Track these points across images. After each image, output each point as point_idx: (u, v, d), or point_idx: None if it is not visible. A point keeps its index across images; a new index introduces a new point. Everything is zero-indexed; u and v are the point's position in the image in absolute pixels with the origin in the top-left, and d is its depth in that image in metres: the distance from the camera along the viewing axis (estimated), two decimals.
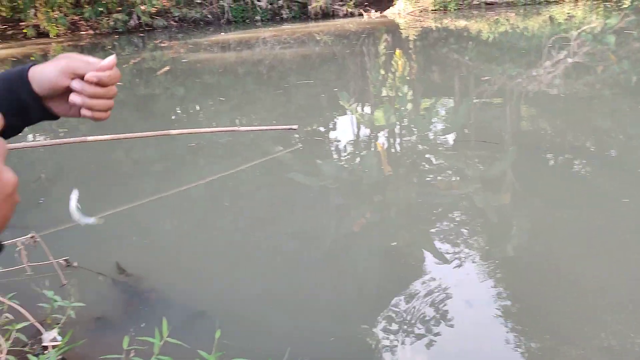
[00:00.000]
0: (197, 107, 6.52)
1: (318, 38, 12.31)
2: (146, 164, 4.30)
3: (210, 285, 2.42)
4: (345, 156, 4.35)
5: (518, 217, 3.03)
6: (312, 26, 14.45)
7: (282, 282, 2.43)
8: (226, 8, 15.33)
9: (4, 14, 13.36)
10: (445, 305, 2.16)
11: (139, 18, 14.24)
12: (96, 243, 2.86)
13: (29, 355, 1.63)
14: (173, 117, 6.16)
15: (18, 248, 2.23)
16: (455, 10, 16.13)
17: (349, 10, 16.45)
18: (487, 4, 16.36)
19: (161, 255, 2.72)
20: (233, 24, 15.57)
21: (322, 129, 5.15)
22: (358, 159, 4.29)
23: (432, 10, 16.27)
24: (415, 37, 11.99)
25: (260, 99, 6.85)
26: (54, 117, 0.85)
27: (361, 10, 16.55)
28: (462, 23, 13.59)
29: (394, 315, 2.10)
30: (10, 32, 13.89)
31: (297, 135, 4.60)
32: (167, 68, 9.28)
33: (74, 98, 0.80)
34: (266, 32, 13.64)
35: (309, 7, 16.35)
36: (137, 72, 9.47)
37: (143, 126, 5.63)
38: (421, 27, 13.57)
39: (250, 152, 4.38)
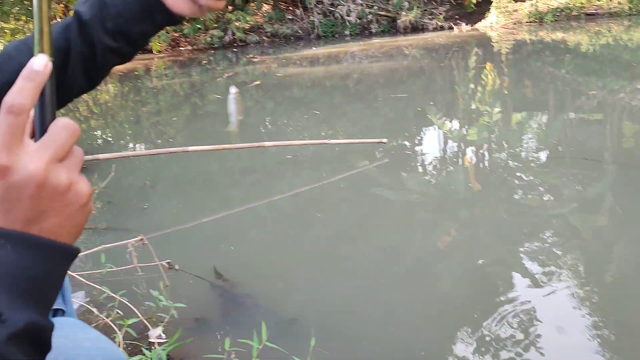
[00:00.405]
0: (286, 120, 6.72)
1: (406, 52, 12.28)
2: (238, 174, 4.50)
3: (299, 293, 2.50)
4: (431, 171, 4.32)
5: (618, 241, 2.87)
6: (401, 40, 14.43)
7: (367, 295, 2.47)
8: (316, 23, 15.69)
9: None
10: (534, 329, 2.09)
11: (233, 34, 14.90)
12: (193, 248, 3.05)
13: (143, 349, 1.78)
14: (263, 130, 6.39)
15: (129, 249, 2.43)
16: (552, 21, 15.50)
17: (439, 23, 16.28)
18: (587, 14, 15.58)
19: (252, 262, 2.85)
20: (322, 38, 15.87)
21: (408, 143, 5.14)
22: (445, 174, 4.25)
23: (526, 23, 15.73)
24: (507, 50, 11.65)
25: (347, 112, 6.95)
26: (176, 19, 0.87)
27: (451, 24, 16.33)
28: (559, 35, 13.04)
29: (480, 335, 2.07)
30: None
31: (382, 149, 4.63)
32: (257, 82, 9.63)
33: None
34: (354, 47, 13.79)
35: (398, 21, 16.36)
36: (230, 85, 9.91)
37: (235, 138, 5.89)
38: (514, 39, 13.17)
39: (335, 166, 4.46)
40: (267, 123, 6.73)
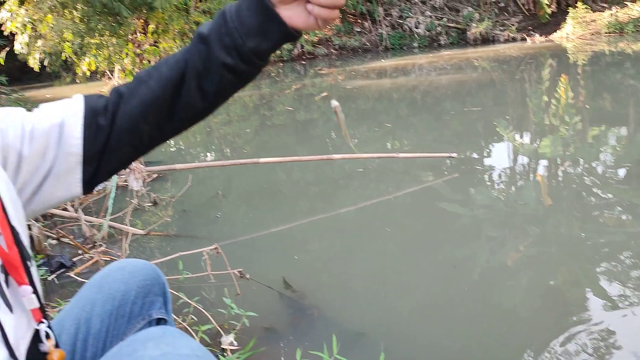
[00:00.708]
0: (352, 132, 6.77)
1: (476, 64, 12.06)
2: (305, 186, 4.58)
3: (366, 307, 2.51)
4: (501, 186, 4.22)
5: None
6: (471, 52, 14.20)
7: (435, 310, 2.45)
8: (384, 36, 15.71)
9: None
10: (609, 353, 2.01)
11: (302, 47, 15.19)
12: (262, 257, 3.14)
13: (218, 355, 1.86)
14: (328, 141, 6.47)
15: (203, 257, 2.54)
16: (633, 32, 14.77)
17: (511, 35, 15.89)
18: None
19: (320, 274, 2.90)
20: (390, 51, 15.87)
21: (476, 156, 5.05)
22: (515, 189, 4.15)
23: (605, 33, 15.07)
24: (584, 62, 11.21)
25: (414, 125, 6.91)
26: (292, 35, 0.85)
27: (524, 35, 15.89)
28: None
29: (550, 356, 2.01)
30: None
31: (450, 163, 4.57)
32: (325, 94, 9.76)
33: None
34: (423, 59, 13.70)
35: (468, 32, 16.11)
36: (297, 98, 10.10)
37: (302, 149, 6.00)
38: (592, 51, 12.65)
39: (402, 179, 4.45)
40: (333, 135, 6.81)
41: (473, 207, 3.77)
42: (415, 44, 16.04)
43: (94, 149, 0.91)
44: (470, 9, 16.52)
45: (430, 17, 16.26)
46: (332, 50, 15.73)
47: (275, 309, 2.46)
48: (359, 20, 16.34)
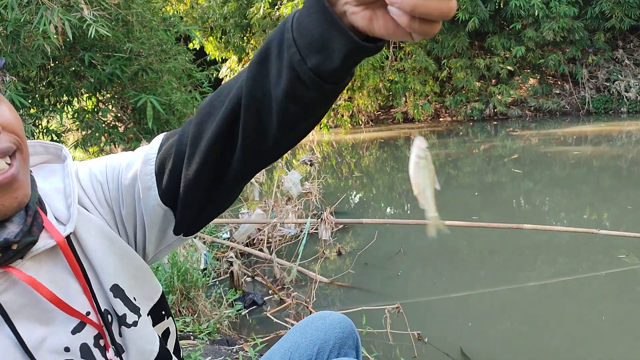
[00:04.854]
0: (544, 199, 6.41)
1: None
2: (486, 253, 4.44)
3: None
4: None
5: None
6: None
7: None
8: (587, 99, 14.69)
9: (380, 102, 15.74)
10: None
11: (494, 107, 14.86)
12: (439, 321, 3.11)
13: None
14: (514, 205, 6.21)
15: (385, 315, 2.62)
16: None
17: None
18: None
19: (498, 348, 2.78)
20: (593, 115, 14.74)
21: None
22: None
23: None
24: None
25: (616, 198, 6.30)
26: (365, 47, 0.60)
27: None
28: None
29: None
30: (382, 117, 16.27)
31: None
32: (515, 156, 9.43)
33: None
34: (632, 125, 12.49)
35: None
36: (485, 159, 9.87)
37: (486, 213, 5.82)
38: None
39: (597, 257, 4.08)
40: (522, 200, 6.51)
41: None
42: (624, 109, 14.64)
43: (171, 197, 0.87)
44: None
45: None
46: (527, 112, 15.08)
47: None
48: (559, 82, 15.52)
